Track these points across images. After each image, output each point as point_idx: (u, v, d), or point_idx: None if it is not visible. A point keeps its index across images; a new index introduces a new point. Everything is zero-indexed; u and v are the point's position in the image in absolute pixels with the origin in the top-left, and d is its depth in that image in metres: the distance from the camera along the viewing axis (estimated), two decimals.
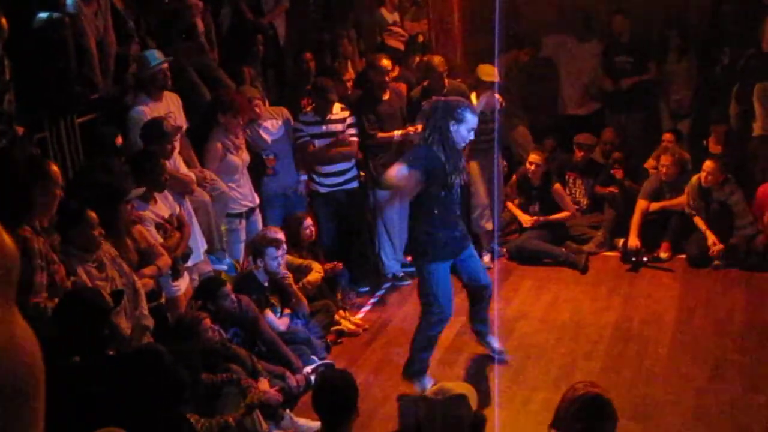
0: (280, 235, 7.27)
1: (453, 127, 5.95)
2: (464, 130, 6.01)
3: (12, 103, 5.54)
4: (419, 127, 7.87)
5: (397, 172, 5.96)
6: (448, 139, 5.96)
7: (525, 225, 9.24)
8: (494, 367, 6.69)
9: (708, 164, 8.51)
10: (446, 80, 8.47)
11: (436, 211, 6.08)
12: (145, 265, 5.86)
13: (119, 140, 6.48)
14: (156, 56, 6.86)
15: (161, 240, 6.22)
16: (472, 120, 6.05)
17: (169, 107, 6.99)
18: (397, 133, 8.20)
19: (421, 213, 6.14)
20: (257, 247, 7.06)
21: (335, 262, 7.99)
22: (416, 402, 3.69)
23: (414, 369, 6.41)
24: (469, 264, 6.46)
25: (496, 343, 6.82)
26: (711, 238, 8.44)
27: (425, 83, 8.54)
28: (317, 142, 8.06)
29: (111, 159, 6.14)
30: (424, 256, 6.24)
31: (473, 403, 3.70)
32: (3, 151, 5.16)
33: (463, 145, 6.14)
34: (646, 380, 6.43)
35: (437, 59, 8.58)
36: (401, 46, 9.33)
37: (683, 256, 8.77)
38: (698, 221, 8.59)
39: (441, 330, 6.45)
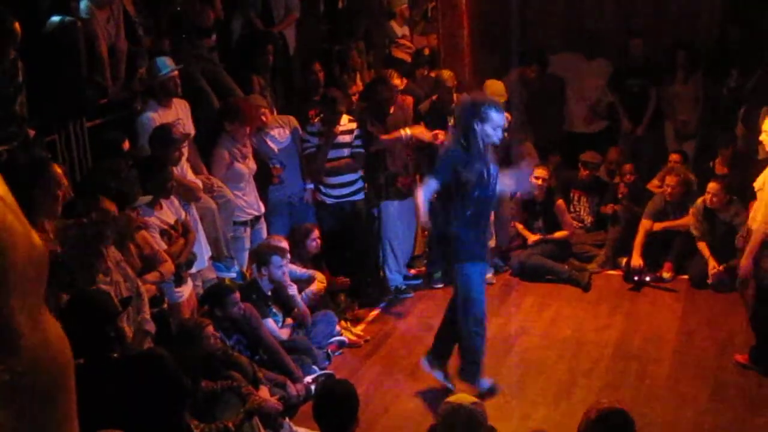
0: (285, 244, 7.29)
1: (477, 126, 5.96)
2: (489, 129, 6.01)
3: (24, 105, 5.57)
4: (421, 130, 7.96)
5: (425, 188, 6.02)
6: (475, 138, 5.97)
7: (529, 242, 9.26)
8: (495, 381, 6.69)
9: (712, 186, 8.50)
10: (455, 95, 8.51)
11: (468, 212, 6.09)
12: (147, 271, 5.87)
13: (126, 145, 6.51)
14: (166, 64, 6.88)
15: (165, 246, 6.23)
16: (497, 118, 6.05)
17: (178, 114, 7.02)
18: (404, 131, 8.21)
19: (455, 213, 6.13)
20: (262, 256, 7.07)
21: (342, 277, 8.00)
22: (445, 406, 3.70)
23: (470, 373, 6.44)
24: None
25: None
26: (712, 264, 8.42)
27: (434, 97, 8.57)
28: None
29: (118, 163, 6.17)
30: (458, 259, 6.25)
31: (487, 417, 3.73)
32: (12, 153, 5.19)
33: (490, 143, 6.11)
34: (645, 399, 6.43)
35: (447, 74, 8.62)
36: (408, 58, 9.36)
37: (686, 276, 8.77)
38: (702, 247, 8.57)
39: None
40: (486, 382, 6.50)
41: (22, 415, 1.09)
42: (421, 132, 8.16)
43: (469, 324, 6.35)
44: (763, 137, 6.35)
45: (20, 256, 1.09)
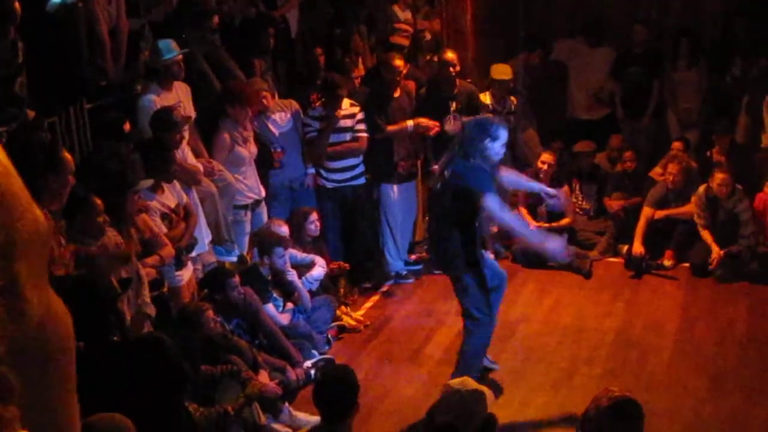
0: (285, 229, 7.28)
1: (489, 144, 5.95)
2: (498, 146, 6.00)
3: (23, 87, 5.54)
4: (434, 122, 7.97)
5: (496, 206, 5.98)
6: (487, 156, 5.97)
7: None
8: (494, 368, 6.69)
9: (720, 175, 8.48)
10: (458, 80, 8.50)
11: (477, 224, 6.17)
12: (147, 254, 5.86)
13: (127, 127, 6.48)
14: (171, 47, 6.83)
15: (166, 230, 6.22)
16: (504, 136, 6.05)
17: (179, 97, 6.98)
18: (410, 122, 8.20)
19: (460, 228, 6.10)
20: (264, 245, 7.05)
21: (341, 262, 8.00)
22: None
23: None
24: None
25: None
26: (716, 250, 8.41)
27: (436, 78, 8.58)
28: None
29: (119, 146, 6.14)
30: (461, 267, 6.19)
31: (489, 403, 3.72)
32: (14, 135, 5.16)
33: (497, 160, 6.13)
34: (645, 387, 6.41)
35: (450, 53, 8.59)
36: (406, 42, 9.30)
37: (687, 264, 8.76)
38: (705, 234, 8.56)
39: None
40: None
41: (27, 377, 1.14)
42: (426, 122, 8.17)
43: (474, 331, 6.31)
44: None
45: (26, 226, 1.13)
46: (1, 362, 1.10)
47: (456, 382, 3.73)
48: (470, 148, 5.98)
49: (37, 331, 1.14)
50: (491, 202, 5.84)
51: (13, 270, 1.11)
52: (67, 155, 4.95)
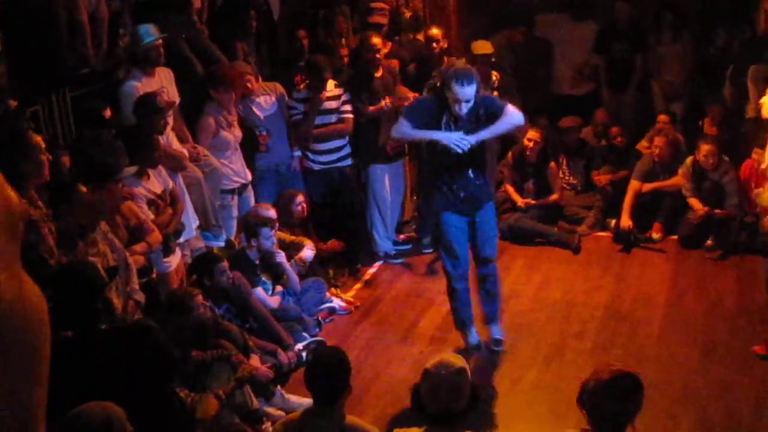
0: (272, 212, 7.26)
1: (446, 93, 6.06)
2: (451, 97, 6.03)
3: (4, 76, 5.50)
4: (404, 89, 7.96)
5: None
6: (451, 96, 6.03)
7: (518, 205, 9.26)
8: (487, 345, 6.70)
9: (706, 147, 8.51)
10: (446, 58, 8.47)
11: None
12: (134, 241, 5.84)
13: (107, 113, 6.44)
14: (150, 32, 6.79)
15: (153, 216, 6.20)
16: (458, 92, 5.96)
17: (162, 82, 6.94)
18: (386, 101, 8.18)
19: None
20: (251, 227, 7.04)
21: (333, 243, 7.98)
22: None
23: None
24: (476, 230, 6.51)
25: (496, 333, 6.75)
26: (700, 206, 8.47)
27: (412, 66, 8.57)
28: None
29: (100, 133, 6.10)
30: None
31: (469, 376, 3.74)
32: None
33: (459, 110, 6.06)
34: (636, 360, 6.44)
35: (435, 30, 8.56)
36: (384, 20, 9.23)
37: (675, 237, 8.79)
38: (693, 201, 8.60)
39: (459, 287, 6.54)
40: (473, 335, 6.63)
41: None
42: (403, 94, 8.13)
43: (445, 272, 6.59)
44: (764, 99, 6.30)
45: None
46: None
47: (434, 364, 3.71)
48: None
49: (9, 313, 1.11)
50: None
51: None
52: (36, 137, 4.94)
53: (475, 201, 6.39)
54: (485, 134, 6.15)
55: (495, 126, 6.15)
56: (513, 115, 6.18)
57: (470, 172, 6.30)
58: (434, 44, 8.47)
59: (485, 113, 6.14)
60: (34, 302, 1.19)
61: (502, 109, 6.17)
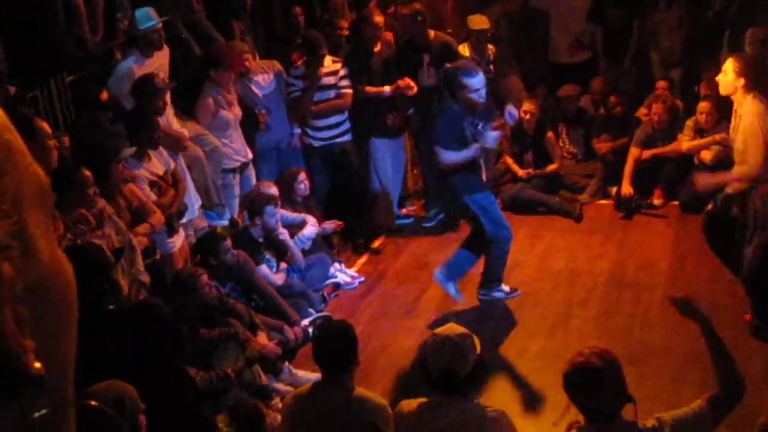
0: (274, 190, 7.28)
1: (460, 95, 6.38)
2: (472, 93, 6.38)
3: (2, 62, 5.50)
4: (407, 80, 8.01)
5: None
6: (466, 102, 6.39)
7: (519, 175, 9.28)
8: (492, 316, 6.74)
9: (703, 105, 8.50)
10: (433, 32, 8.45)
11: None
12: (137, 223, 5.86)
13: (105, 95, 6.44)
14: (149, 15, 6.78)
15: (155, 197, 6.21)
16: (475, 81, 6.39)
17: (160, 61, 6.95)
18: (387, 88, 8.20)
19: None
20: (255, 206, 7.06)
21: (336, 221, 7.99)
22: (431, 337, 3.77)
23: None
24: None
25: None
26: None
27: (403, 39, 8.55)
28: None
29: (98, 115, 6.10)
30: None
31: (477, 346, 3.76)
32: None
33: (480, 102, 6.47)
34: (640, 326, 6.49)
35: (417, 5, 8.54)
36: None
37: (676, 202, 8.80)
38: (699, 142, 8.57)
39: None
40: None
41: (38, 313, 1.28)
42: (404, 84, 8.13)
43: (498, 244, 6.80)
44: (720, 77, 6.27)
45: (30, 178, 1.27)
46: (21, 300, 1.21)
47: (443, 329, 3.76)
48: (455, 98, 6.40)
49: (47, 273, 1.24)
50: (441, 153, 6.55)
51: (23, 217, 1.22)
52: (42, 123, 4.95)
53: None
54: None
55: None
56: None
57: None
58: (418, 18, 8.42)
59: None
60: (65, 267, 1.32)
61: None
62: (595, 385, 3.22)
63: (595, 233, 8.40)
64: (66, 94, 6.42)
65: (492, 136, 6.57)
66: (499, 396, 5.59)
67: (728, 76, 6.09)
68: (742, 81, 6.01)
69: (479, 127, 6.51)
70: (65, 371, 1.37)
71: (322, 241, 7.80)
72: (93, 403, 3.00)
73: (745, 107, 5.99)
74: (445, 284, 6.83)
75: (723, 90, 6.22)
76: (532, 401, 5.70)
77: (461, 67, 6.60)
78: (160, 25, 6.86)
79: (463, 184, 6.67)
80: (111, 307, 4.45)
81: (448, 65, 6.92)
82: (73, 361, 1.40)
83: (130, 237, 5.52)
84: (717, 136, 8.22)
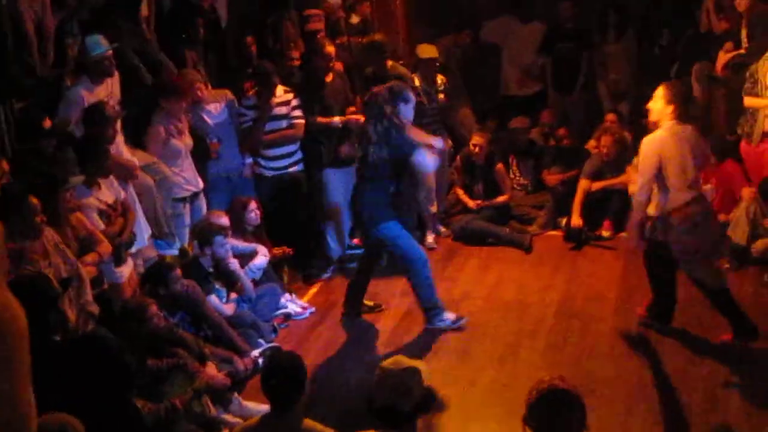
0: (225, 220, 7.25)
1: (402, 107, 6.61)
2: (409, 108, 6.67)
3: None
4: (354, 111, 8.09)
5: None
6: (400, 118, 6.62)
7: (470, 207, 9.34)
8: (441, 347, 6.75)
9: None
10: (389, 61, 8.53)
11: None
12: (85, 252, 5.80)
13: (47, 123, 6.37)
14: (100, 43, 6.74)
15: (103, 227, 6.15)
16: (412, 98, 6.75)
17: (110, 88, 6.91)
18: (337, 119, 8.22)
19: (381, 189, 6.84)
20: (204, 236, 7.02)
21: (284, 248, 7.98)
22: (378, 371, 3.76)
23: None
24: None
25: None
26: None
27: (369, 69, 8.58)
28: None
29: (40, 143, 6.02)
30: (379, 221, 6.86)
31: (425, 378, 3.75)
32: None
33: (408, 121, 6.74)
34: (589, 356, 6.53)
35: (379, 36, 8.61)
36: (321, 25, 9.22)
37: (624, 234, 8.89)
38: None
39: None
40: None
41: None
42: (355, 119, 8.16)
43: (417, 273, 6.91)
44: (651, 104, 6.44)
45: None
46: None
47: (389, 362, 3.75)
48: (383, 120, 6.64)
49: None
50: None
51: None
52: None
53: None
54: None
55: None
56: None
57: None
58: (380, 49, 8.50)
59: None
60: (16, 309, 1.27)
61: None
62: (566, 407, 3.24)
63: (545, 264, 8.46)
64: (14, 121, 6.34)
65: (428, 160, 6.74)
66: (449, 427, 5.58)
67: (658, 104, 6.26)
68: (671, 108, 6.17)
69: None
70: (17, 409, 1.31)
71: (273, 271, 7.76)
72: None
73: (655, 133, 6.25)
74: (439, 323, 6.99)
75: (652, 117, 6.38)
76: None
77: (393, 86, 6.90)
78: (111, 52, 6.81)
79: (370, 216, 6.84)
80: (57, 338, 4.39)
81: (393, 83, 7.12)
82: (28, 399, 1.34)
83: (78, 266, 5.45)
84: None
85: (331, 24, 9.44)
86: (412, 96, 6.76)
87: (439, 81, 8.95)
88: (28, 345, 1.31)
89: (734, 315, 6.43)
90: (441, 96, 8.93)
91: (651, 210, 6.44)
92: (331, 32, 9.33)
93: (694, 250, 6.30)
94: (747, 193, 8.09)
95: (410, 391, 3.67)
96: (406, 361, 3.76)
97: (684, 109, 6.27)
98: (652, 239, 6.49)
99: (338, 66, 8.59)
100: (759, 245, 7.85)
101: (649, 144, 6.26)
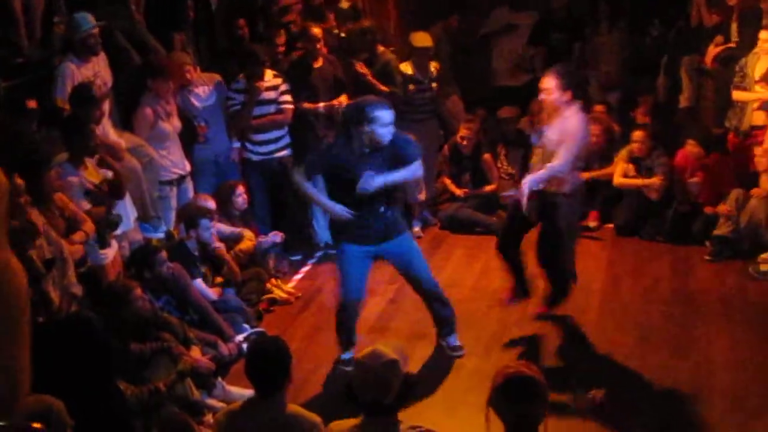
0: (211, 204, 7.24)
1: (368, 128, 5.70)
2: (379, 128, 5.71)
3: None
4: (342, 100, 7.96)
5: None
6: (370, 140, 5.74)
7: (457, 195, 9.33)
8: (426, 333, 6.73)
9: (638, 134, 8.67)
10: (379, 47, 8.52)
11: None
12: (71, 231, 5.76)
13: (32, 104, 6.32)
14: (88, 20, 6.70)
15: (89, 206, 6.11)
16: (385, 116, 5.71)
17: (98, 67, 6.87)
18: (321, 105, 8.21)
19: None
20: (190, 218, 7.00)
21: (273, 232, 7.95)
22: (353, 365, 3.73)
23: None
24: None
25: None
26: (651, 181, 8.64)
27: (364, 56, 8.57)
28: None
29: (21, 125, 5.97)
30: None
31: (404, 362, 3.74)
32: None
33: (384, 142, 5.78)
34: (574, 347, 6.54)
35: (368, 22, 8.58)
36: (297, 17, 9.16)
37: (611, 225, 8.91)
38: (632, 181, 8.74)
39: (348, 315, 6.35)
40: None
41: None
42: (339, 103, 8.13)
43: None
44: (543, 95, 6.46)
45: None
46: None
47: (366, 355, 3.73)
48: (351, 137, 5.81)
49: None
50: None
51: None
52: None
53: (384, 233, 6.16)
54: (390, 179, 5.87)
55: (400, 173, 5.91)
56: (417, 169, 6.04)
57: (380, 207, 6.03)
58: (366, 36, 8.48)
59: (396, 154, 5.90)
60: (18, 271, 1.26)
61: (412, 158, 5.96)
62: (530, 393, 3.23)
63: (531, 254, 8.42)
64: (2, 101, 6.30)
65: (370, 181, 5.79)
66: (434, 415, 5.57)
67: (553, 94, 6.28)
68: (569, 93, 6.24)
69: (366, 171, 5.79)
70: (16, 377, 1.30)
71: (259, 256, 7.73)
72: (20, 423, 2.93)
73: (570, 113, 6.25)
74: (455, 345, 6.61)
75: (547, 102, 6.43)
76: (466, 420, 5.70)
77: (371, 100, 5.99)
78: (97, 30, 6.76)
79: (336, 228, 6.27)
80: (40, 319, 4.36)
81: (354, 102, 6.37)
82: (25, 371, 1.32)
83: (62, 247, 5.42)
84: (648, 181, 8.57)
85: (313, 9, 9.36)
86: (382, 115, 5.70)
87: (432, 69, 8.90)
88: (29, 318, 1.30)
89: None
90: (434, 85, 8.89)
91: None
92: (313, 16, 9.23)
93: None
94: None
95: (390, 384, 3.66)
96: (383, 350, 3.73)
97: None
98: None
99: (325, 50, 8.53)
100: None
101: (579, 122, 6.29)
